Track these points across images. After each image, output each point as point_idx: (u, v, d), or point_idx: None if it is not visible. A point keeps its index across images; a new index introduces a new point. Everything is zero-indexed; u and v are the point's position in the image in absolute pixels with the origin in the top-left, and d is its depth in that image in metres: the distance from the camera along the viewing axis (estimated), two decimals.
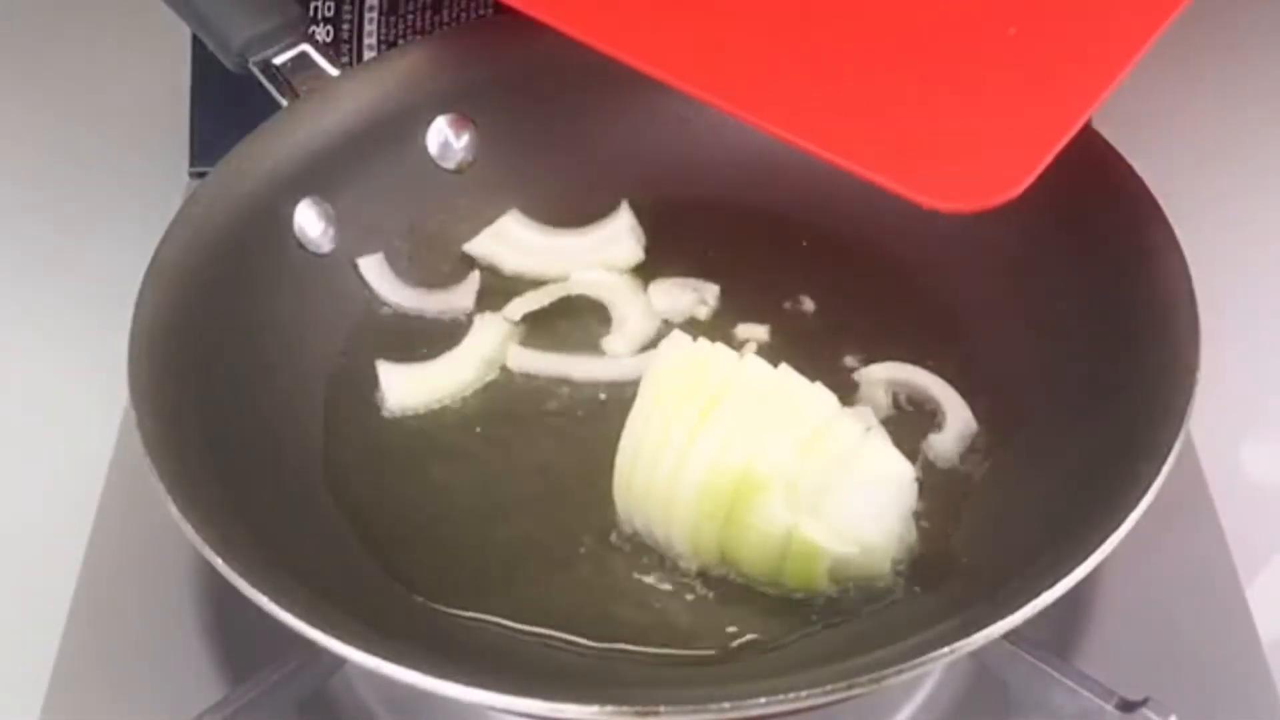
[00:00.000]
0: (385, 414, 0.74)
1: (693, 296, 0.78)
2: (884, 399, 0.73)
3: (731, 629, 0.64)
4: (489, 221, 0.82)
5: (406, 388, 0.74)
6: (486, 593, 0.66)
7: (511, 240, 0.81)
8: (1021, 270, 0.75)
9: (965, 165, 0.63)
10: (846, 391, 0.72)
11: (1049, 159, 0.63)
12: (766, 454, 0.62)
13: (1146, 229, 0.70)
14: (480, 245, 0.81)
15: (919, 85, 0.67)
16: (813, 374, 0.66)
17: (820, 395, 0.65)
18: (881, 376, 0.73)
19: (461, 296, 0.79)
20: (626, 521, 0.67)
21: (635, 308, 0.78)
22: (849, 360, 0.74)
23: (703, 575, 0.66)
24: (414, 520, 0.69)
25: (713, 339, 0.66)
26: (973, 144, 0.64)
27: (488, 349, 0.76)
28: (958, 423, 0.71)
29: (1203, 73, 0.98)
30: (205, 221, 0.73)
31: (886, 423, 0.70)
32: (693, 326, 0.77)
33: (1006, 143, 0.64)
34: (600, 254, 0.81)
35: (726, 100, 0.68)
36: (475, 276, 0.80)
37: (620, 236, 0.81)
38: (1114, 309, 0.69)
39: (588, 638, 0.64)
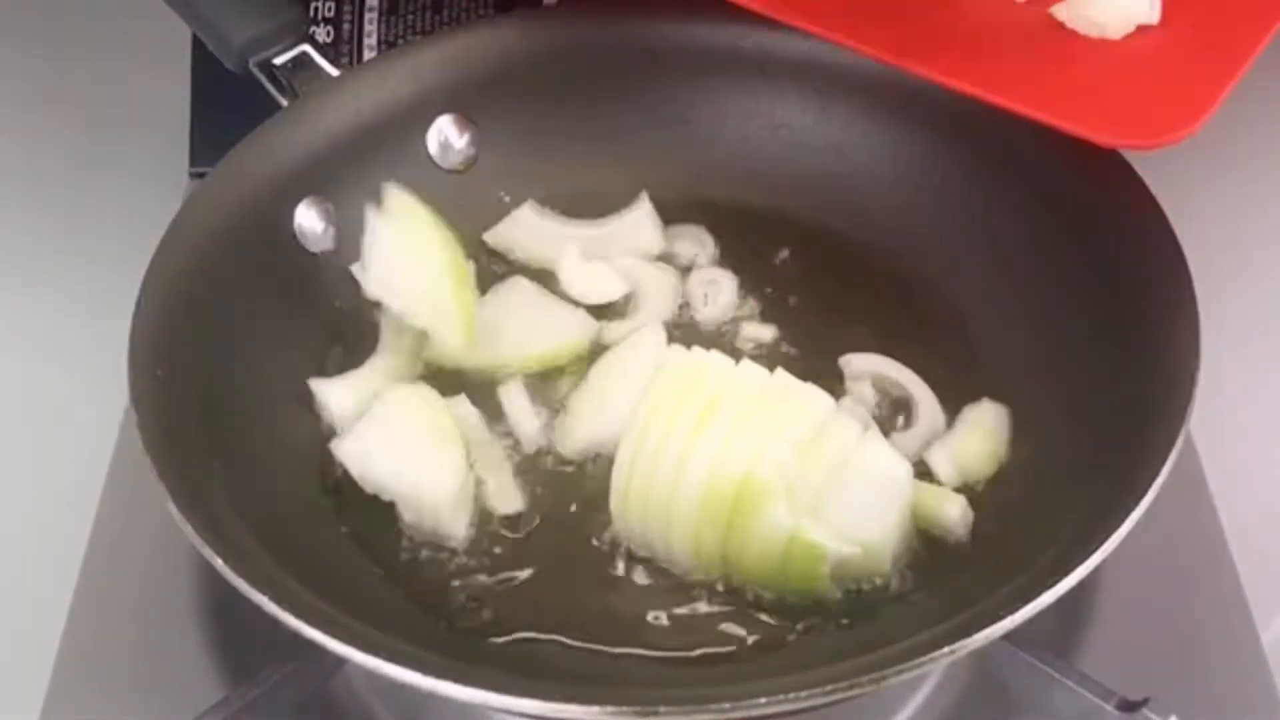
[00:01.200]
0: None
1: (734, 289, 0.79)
2: (870, 394, 0.72)
3: (731, 630, 0.64)
4: (490, 219, 0.82)
5: (342, 399, 0.73)
6: (485, 597, 0.66)
7: (533, 229, 0.81)
8: (1023, 273, 0.75)
9: (1141, 105, 0.64)
10: (840, 390, 0.72)
11: (1225, 94, 0.63)
12: (766, 458, 0.62)
13: (1147, 230, 0.70)
14: (499, 234, 0.81)
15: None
16: (811, 372, 0.66)
17: (816, 397, 0.66)
18: (865, 369, 0.73)
19: None
20: (624, 530, 0.67)
21: (660, 294, 0.78)
22: (846, 358, 0.74)
23: (703, 578, 0.66)
24: None
25: (718, 341, 0.66)
26: (1148, 85, 0.65)
27: (404, 348, 0.75)
28: (927, 421, 0.71)
29: None
30: (205, 221, 0.73)
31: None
32: (696, 330, 0.77)
33: (1181, 82, 0.64)
34: (625, 241, 0.81)
35: (895, 55, 0.68)
36: (470, 267, 0.80)
37: (643, 224, 0.81)
38: (1115, 310, 0.69)
39: (587, 640, 0.64)
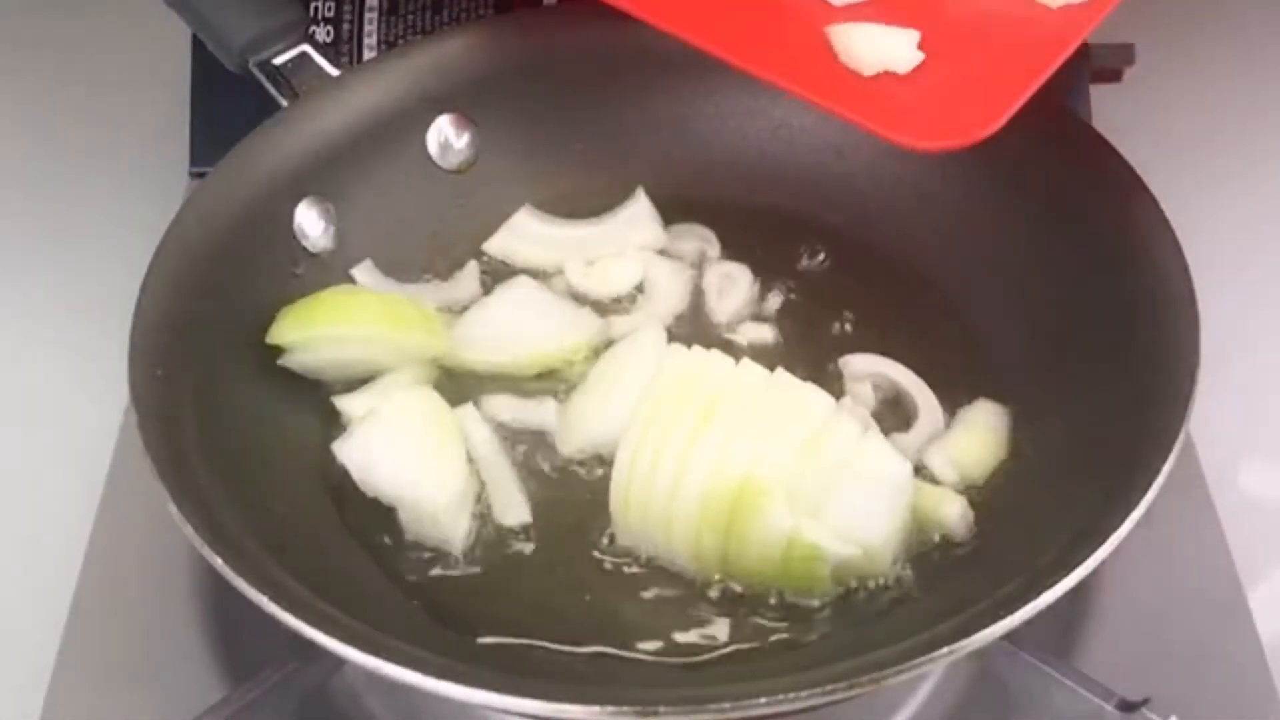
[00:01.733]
0: None
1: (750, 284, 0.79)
2: (869, 394, 0.72)
3: (732, 631, 0.64)
4: (490, 219, 0.82)
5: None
6: (485, 597, 0.66)
7: (531, 235, 0.81)
8: (1023, 273, 0.75)
9: (943, 109, 0.65)
10: (840, 390, 0.72)
11: (1023, 100, 0.63)
12: (767, 459, 0.62)
13: (1147, 231, 0.70)
14: (498, 243, 0.81)
15: None
16: (811, 373, 0.66)
17: (816, 397, 0.65)
18: (865, 369, 0.73)
19: (466, 287, 0.79)
20: (624, 532, 0.67)
21: (671, 288, 0.78)
22: (845, 358, 0.74)
23: (702, 580, 0.66)
24: None
25: (718, 340, 0.66)
26: (950, 91, 0.65)
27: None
28: (927, 421, 0.71)
29: (1203, 74, 0.98)
30: (205, 221, 0.73)
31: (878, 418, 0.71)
32: (696, 328, 0.77)
33: (982, 89, 0.65)
34: (625, 237, 0.81)
35: (736, 56, 0.68)
36: (473, 265, 0.80)
37: (642, 219, 0.81)
38: (1114, 309, 0.69)
39: (587, 640, 0.64)
